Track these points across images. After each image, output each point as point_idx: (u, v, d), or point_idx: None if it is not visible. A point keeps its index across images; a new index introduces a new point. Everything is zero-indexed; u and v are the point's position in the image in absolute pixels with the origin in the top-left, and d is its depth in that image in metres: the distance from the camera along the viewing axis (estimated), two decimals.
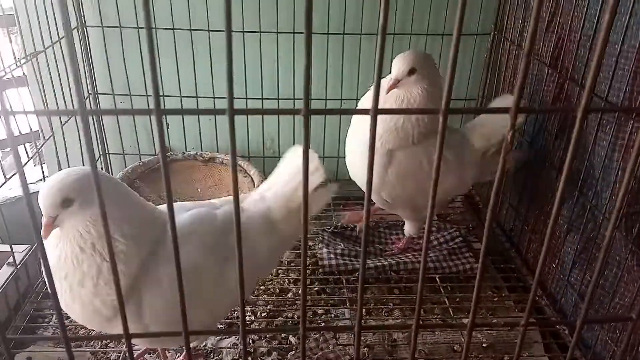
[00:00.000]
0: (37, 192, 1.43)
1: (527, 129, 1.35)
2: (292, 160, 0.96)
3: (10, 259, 1.15)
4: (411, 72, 1.11)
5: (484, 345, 1.13)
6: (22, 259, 1.18)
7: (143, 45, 1.48)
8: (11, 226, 1.15)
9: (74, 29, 1.43)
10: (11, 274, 1.14)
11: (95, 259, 0.75)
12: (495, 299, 1.27)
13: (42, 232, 0.73)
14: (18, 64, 1.15)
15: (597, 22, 1.03)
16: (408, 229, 1.33)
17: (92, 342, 1.11)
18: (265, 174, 1.53)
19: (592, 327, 1.06)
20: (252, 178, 1.54)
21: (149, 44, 0.32)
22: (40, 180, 1.69)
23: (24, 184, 0.35)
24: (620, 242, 0.98)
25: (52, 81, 1.30)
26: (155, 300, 0.78)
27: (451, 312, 1.20)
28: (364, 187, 1.30)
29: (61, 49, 1.32)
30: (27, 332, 1.13)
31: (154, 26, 1.45)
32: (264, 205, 0.93)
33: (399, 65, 1.11)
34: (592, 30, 1.05)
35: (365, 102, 1.23)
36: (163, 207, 0.88)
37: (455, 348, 1.13)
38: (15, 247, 1.17)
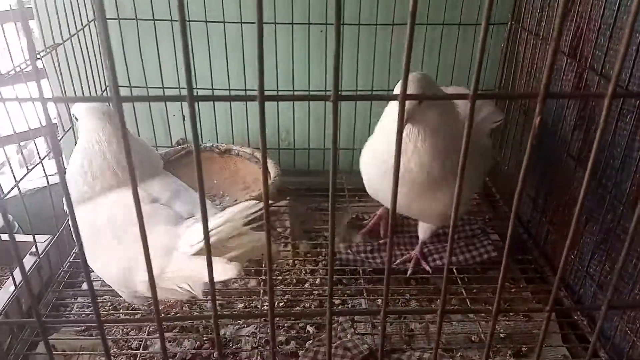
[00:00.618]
0: (58, 183, 1.45)
1: (545, 119, 1.34)
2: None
3: (33, 249, 1.17)
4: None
5: (502, 335, 1.13)
6: (44, 249, 1.20)
7: (159, 36, 1.50)
8: (32, 217, 1.17)
9: (91, 21, 1.45)
10: (34, 264, 1.16)
11: None
12: (513, 290, 1.26)
13: None
14: (39, 55, 1.17)
15: (617, 10, 1.02)
16: (423, 233, 1.29)
17: (113, 330, 1.13)
18: (280, 165, 1.54)
19: (611, 318, 1.06)
20: (267, 169, 1.54)
21: (183, 36, 0.32)
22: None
23: (60, 167, 0.36)
24: None
25: (70, 73, 1.31)
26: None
27: (468, 303, 1.20)
28: (383, 202, 1.31)
29: (79, 41, 1.34)
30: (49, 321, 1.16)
31: (170, 18, 1.47)
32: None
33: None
34: (612, 19, 1.04)
35: (387, 118, 1.16)
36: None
37: (472, 339, 1.13)
38: (37, 238, 1.19)
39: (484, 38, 0.35)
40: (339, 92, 0.34)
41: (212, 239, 0.77)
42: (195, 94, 0.33)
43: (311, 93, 1.58)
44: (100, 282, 1.26)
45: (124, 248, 0.91)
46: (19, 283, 1.06)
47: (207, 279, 0.39)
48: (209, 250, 0.40)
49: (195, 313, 1.16)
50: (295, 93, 1.58)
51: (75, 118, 1.06)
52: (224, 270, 0.77)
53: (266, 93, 0.35)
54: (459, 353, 1.09)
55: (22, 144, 1.65)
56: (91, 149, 0.99)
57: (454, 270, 1.28)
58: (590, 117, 1.15)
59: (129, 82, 1.55)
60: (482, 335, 1.12)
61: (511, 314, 1.18)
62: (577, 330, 1.14)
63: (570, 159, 1.22)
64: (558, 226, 1.27)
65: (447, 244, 1.30)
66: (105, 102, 1.04)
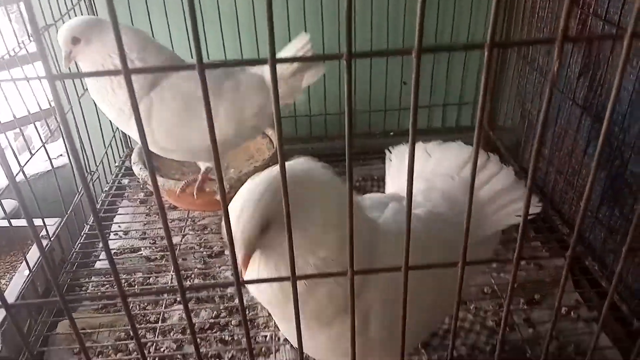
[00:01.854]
0: (62, 166, 1.44)
1: (548, 69, 1.33)
2: (291, 45, 1.15)
3: (44, 232, 1.17)
4: None
5: (515, 285, 1.14)
6: (55, 231, 1.21)
7: (168, 10, 1.46)
8: (39, 201, 1.17)
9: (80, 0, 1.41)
10: (46, 247, 1.17)
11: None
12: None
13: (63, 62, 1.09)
14: (31, 38, 1.14)
15: None
16: None
17: (131, 306, 1.15)
18: (282, 133, 1.53)
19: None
20: (270, 139, 1.54)
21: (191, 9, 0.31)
22: (61, 155, 1.70)
23: (73, 148, 0.35)
24: None
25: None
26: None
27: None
28: None
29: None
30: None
31: None
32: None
33: None
34: None
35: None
36: None
37: (484, 290, 1.14)
38: (47, 221, 1.19)
39: None
40: (352, 51, 0.33)
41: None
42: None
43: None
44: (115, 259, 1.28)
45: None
46: (35, 264, 1.07)
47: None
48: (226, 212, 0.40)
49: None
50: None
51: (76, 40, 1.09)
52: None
53: None
54: (473, 305, 1.10)
55: (21, 128, 1.63)
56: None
57: None
58: (595, 63, 1.13)
59: None
60: (494, 286, 1.14)
61: (522, 262, 1.20)
62: (589, 275, 1.16)
63: (575, 106, 1.20)
64: (565, 175, 1.27)
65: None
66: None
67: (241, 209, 0.57)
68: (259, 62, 0.36)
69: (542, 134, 0.38)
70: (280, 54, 1.15)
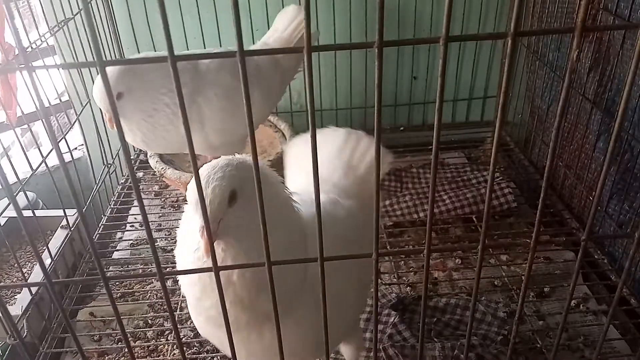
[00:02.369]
0: (78, 158, 1.47)
1: (558, 64, 1.34)
2: (284, 14, 1.28)
3: (64, 222, 1.20)
4: None
5: (524, 278, 1.16)
6: (75, 222, 1.24)
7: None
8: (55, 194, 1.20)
9: None
10: (66, 237, 1.20)
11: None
12: (532, 235, 1.29)
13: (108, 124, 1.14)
14: (51, 32, 1.17)
15: None
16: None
17: (148, 295, 1.17)
18: (293, 127, 1.55)
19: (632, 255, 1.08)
20: (282, 132, 1.56)
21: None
22: (81, 145, 1.73)
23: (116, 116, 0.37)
24: None
25: (82, 47, 1.32)
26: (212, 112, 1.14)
27: (491, 250, 1.23)
28: None
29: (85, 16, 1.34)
30: (85, 290, 1.20)
31: None
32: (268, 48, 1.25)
33: None
34: None
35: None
36: None
37: (495, 283, 1.16)
38: (67, 212, 1.22)
39: None
40: (382, 39, 0.35)
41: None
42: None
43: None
44: (129, 250, 1.31)
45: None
46: (57, 252, 1.10)
47: None
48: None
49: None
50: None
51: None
52: None
53: None
54: (483, 297, 1.12)
55: (29, 125, 1.66)
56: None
57: (474, 219, 1.31)
58: (605, 58, 1.14)
59: (138, 51, 1.56)
60: (505, 279, 1.16)
61: (525, 263, 1.21)
62: (597, 268, 1.17)
63: (586, 101, 1.22)
64: (574, 170, 1.29)
65: (462, 192, 1.32)
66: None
67: (209, 175, 0.57)
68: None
69: (556, 137, 0.40)
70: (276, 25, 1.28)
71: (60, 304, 0.48)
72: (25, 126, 1.32)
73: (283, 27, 1.29)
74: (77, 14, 1.28)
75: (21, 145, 1.06)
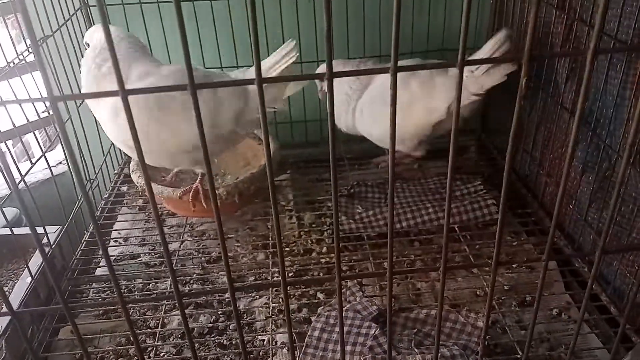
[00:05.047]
0: (61, 174, 1.46)
1: (537, 72, 1.35)
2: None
3: (45, 240, 1.19)
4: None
5: (506, 287, 1.17)
6: (56, 239, 1.23)
7: (164, 18, 1.49)
8: (40, 209, 1.20)
9: (77, 10, 1.44)
10: (47, 253, 1.19)
11: None
12: (515, 244, 1.30)
13: None
14: (30, 50, 1.17)
15: None
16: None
17: (131, 312, 1.17)
18: (278, 139, 1.56)
19: (610, 263, 1.09)
20: None
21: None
22: (60, 162, 1.73)
23: (71, 157, 0.38)
24: (635, 178, 1.00)
25: (63, 64, 1.32)
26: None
27: (472, 259, 1.24)
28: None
29: (68, 31, 1.34)
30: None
31: None
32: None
33: None
34: None
35: None
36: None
37: (477, 293, 1.17)
38: (47, 229, 1.21)
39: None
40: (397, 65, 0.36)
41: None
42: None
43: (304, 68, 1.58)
44: (115, 266, 1.30)
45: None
46: (37, 271, 1.09)
47: None
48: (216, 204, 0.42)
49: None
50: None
51: (87, 45, 1.20)
52: None
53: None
54: (465, 307, 1.12)
55: (16, 139, 1.66)
56: None
57: (456, 229, 1.31)
58: (581, 68, 1.16)
59: None
60: (486, 289, 1.16)
61: (514, 265, 1.22)
62: (579, 277, 1.18)
63: (564, 111, 1.23)
64: (555, 179, 1.30)
65: (455, 202, 1.32)
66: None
67: None
68: (246, 82, 0.38)
69: (514, 146, 0.40)
70: (266, 61, 1.21)
71: (27, 338, 0.48)
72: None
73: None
74: (56, 31, 1.28)
75: None
